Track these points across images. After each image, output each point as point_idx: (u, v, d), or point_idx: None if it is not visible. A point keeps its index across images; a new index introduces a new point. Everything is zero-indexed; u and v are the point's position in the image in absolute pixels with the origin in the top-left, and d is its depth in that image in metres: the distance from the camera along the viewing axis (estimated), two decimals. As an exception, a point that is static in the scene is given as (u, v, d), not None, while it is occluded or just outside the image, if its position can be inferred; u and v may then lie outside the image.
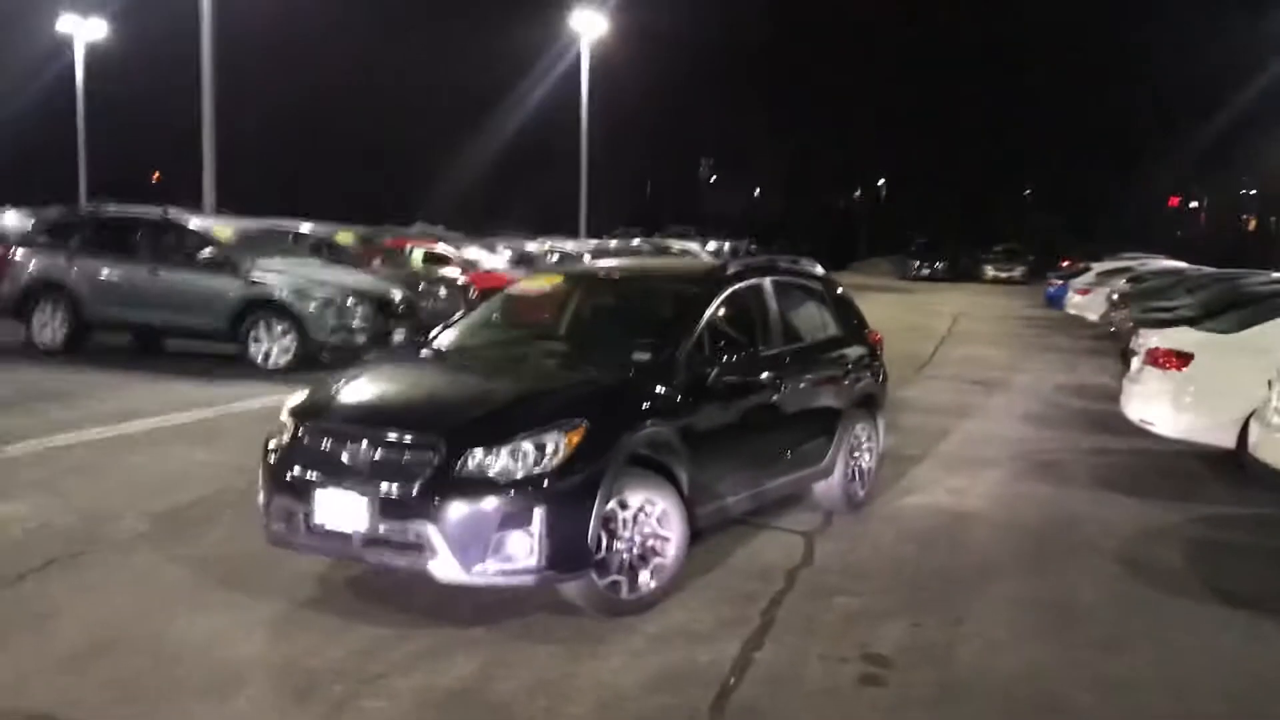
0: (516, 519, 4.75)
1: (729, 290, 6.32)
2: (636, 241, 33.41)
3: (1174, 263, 26.07)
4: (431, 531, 4.74)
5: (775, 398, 6.37)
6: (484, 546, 4.74)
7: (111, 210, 14.50)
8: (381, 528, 4.84)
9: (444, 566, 4.75)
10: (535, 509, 4.76)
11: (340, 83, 56.94)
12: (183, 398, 10.84)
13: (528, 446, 4.86)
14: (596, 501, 4.92)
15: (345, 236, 17.67)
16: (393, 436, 4.98)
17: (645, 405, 5.41)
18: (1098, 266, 26.67)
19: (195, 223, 13.91)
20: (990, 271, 49.12)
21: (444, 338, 6.44)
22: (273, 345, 12.83)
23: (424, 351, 6.30)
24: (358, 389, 5.58)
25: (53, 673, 4.42)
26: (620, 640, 4.94)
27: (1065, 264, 36.91)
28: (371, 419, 5.19)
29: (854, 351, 7.45)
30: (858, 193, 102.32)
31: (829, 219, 73.88)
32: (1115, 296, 18.75)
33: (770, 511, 6.94)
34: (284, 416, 5.44)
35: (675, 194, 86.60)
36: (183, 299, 12.98)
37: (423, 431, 4.96)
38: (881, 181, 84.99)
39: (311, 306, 12.83)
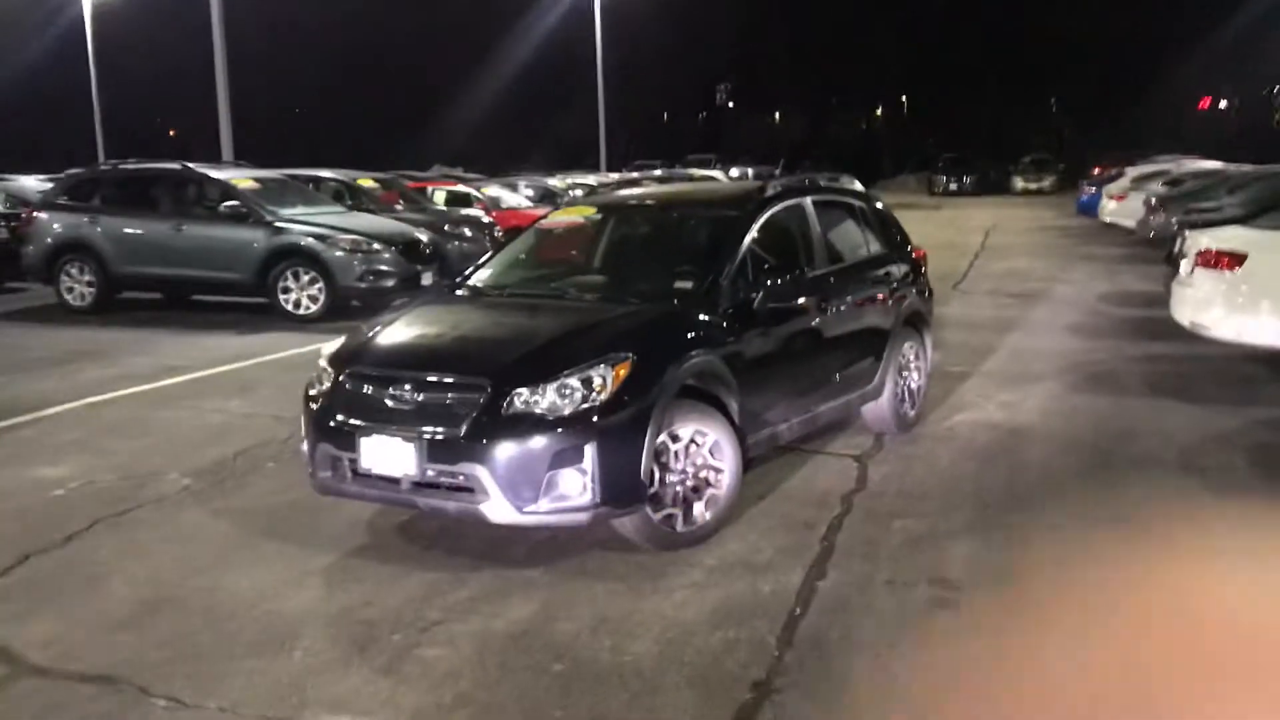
0: (568, 456, 4.62)
1: (769, 212, 6.11)
2: (658, 173, 32.97)
3: (1209, 163, 25.40)
4: (481, 473, 4.61)
5: (822, 320, 6.17)
6: (536, 486, 4.61)
7: (130, 166, 14.33)
8: (430, 471, 4.72)
9: (496, 508, 4.63)
10: (586, 445, 4.62)
11: (351, 27, 56.25)
12: (215, 351, 10.77)
13: (574, 383, 4.71)
14: (647, 434, 4.78)
15: (367, 181, 17.41)
16: (436, 378, 4.84)
17: (691, 335, 5.23)
18: (1132, 171, 26.03)
19: (215, 174, 13.74)
20: (1020, 183, 48.24)
21: (478, 276, 6.27)
22: (301, 294, 12.72)
23: (459, 291, 6.13)
24: (397, 332, 5.42)
25: (107, 633, 4.35)
26: (679, 574, 4.83)
27: (1097, 171, 36.20)
28: (414, 362, 5.04)
29: (898, 269, 7.23)
30: (879, 110, 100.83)
31: (853, 139, 72.82)
32: (1153, 200, 18.30)
33: (819, 437, 6.80)
34: (323, 363, 5.30)
35: (693, 122, 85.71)
36: (209, 252, 12.87)
37: (467, 372, 4.82)
38: (904, 98, 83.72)
39: (338, 253, 12.70)
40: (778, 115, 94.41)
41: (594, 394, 4.70)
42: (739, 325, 5.47)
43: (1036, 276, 16.51)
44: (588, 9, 41.75)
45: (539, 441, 4.61)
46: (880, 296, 6.87)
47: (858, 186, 7.16)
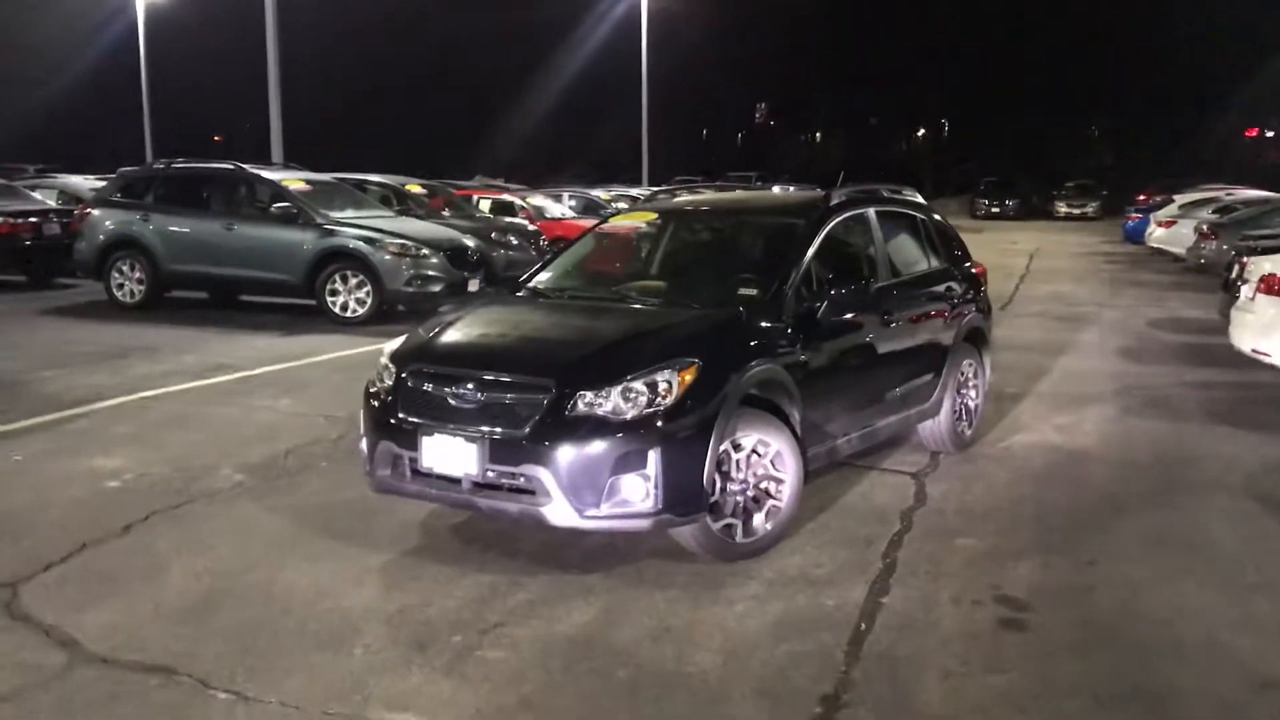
0: (631, 461, 4.56)
1: (834, 221, 6.04)
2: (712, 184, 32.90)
3: (1258, 192, 25.09)
4: (544, 475, 4.57)
5: (884, 333, 6.10)
6: (599, 490, 4.56)
7: (183, 165, 14.46)
8: (491, 472, 4.68)
9: (558, 511, 4.58)
10: (650, 450, 4.57)
11: (398, 38, 56.69)
12: (264, 351, 10.82)
13: (640, 386, 4.66)
14: (711, 442, 4.72)
15: (414, 187, 17.49)
16: (500, 378, 4.80)
17: (755, 343, 5.17)
18: (1180, 199, 25.76)
19: (267, 175, 13.84)
20: (1063, 208, 47.92)
21: (538, 278, 6.24)
22: (348, 297, 12.77)
23: (519, 293, 6.10)
24: (460, 331, 5.40)
25: (168, 624, 4.33)
26: (739, 586, 4.76)
27: (1143, 198, 35.85)
28: (477, 361, 5.00)
29: (959, 285, 7.14)
30: (920, 132, 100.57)
31: (893, 160, 72.57)
32: (1205, 227, 18.07)
33: (875, 453, 6.71)
34: (385, 360, 5.28)
35: (731, 141, 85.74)
36: (258, 253, 12.95)
37: (532, 372, 4.78)
38: (944, 121, 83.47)
39: (386, 257, 12.73)
40: (817, 135, 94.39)
41: (659, 398, 4.65)
42: (802, 335, 5.41)
43: (1084, 300, 16.34)
44: (633, 24, 41.86)
45: (603, 445, 4.56)
46: (941, 312, 6.78)
47: (919, 199, 7.02)
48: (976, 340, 7.28)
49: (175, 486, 6.15)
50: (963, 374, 7.04)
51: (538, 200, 20.95)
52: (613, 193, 24.09)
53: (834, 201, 6.15)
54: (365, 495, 5.58)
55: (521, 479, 4.64)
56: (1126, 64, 65.25)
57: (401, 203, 16.58)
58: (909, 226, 6.89)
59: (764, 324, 5.28)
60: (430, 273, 12.94)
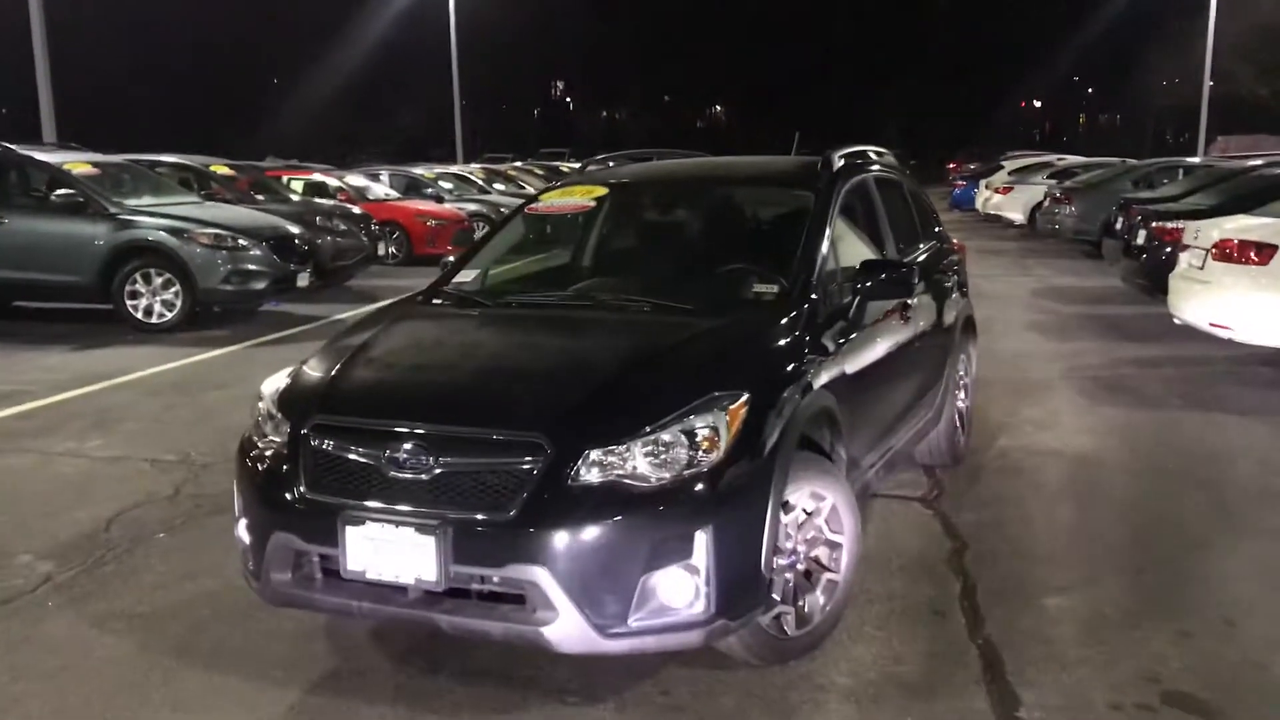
0: (671, 549, 3.12)
1: (844, 192, 4.67)
2: (519, 164, 31.23)
3: (1083, 158, 25.33)
4: (542, 578, 3.06)
5: (903, 330, 4.81)
6: (625, 595, 3.10)
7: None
8: (457, 574, 3.15)
9: (567, 630, 3.09)
10: (698, 531, 3.13)
11: (176, 4, 52.12)
12: (56, 371, 8.70)
13: (670, 437, 3.20)
14: (770, 507, 3.32)
15: (221, 168, 15.27)
16: (463, 434, 3.25)
17: (795, 359, 3.77)
18: (1009, 164, 25.78)
19: (41, 158, 11.50)
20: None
21: (462, 279, 4.63)
22: (153, 299, 10.68)
23: (437, 300, 4.48)
24: (381, 362, 3.79)
25: None
26: (812, 705, 3.39)
27: (953, 167, 36.32)
28: (422, 408, 3.40)
29: (949, 262, 5.96)
30: (719, 108, 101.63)
31: (700, 133, 72.63)
32: (1058, 193, 17.70)
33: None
34: (268, 406, 3.65)
35: (529, 118, 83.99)
36: (37, 251, 10.62)
37: (510, 424, 3.24)
38: (746, 93, 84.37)
39: (198, 250, 10.70)
40: (617, 114, 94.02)
41: (700, 453, 3.20)
42: (836, 341, 4.06)
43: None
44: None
45: (628, 528, 3.10)
46: (944, 299, 5.56)
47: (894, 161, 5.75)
48: (970, 329, 6.11)
49: (-50, 593, 4.32)
50: (960, 371, 5.86)
51: (356, 180, 18.90)
52: (435, 171, 22.14)
53: (838, 166, 4.78)
54: (234, 584, 3.98)
55: (509, 584, 3.13)
56: (914, 43, 67.64)
57: (205, 186, 14.38)
58: (899, 195, 5.60)
59: (795, 331, 3.88)
60: (251, 267, 10.97)
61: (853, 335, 4.18)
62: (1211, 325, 8.12)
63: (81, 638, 3.93)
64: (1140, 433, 6.64)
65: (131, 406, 7.53)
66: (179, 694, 3.51)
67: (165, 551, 4.77)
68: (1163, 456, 6.11)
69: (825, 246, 4.26)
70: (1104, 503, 5.33)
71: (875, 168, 5.29)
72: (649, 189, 5.32)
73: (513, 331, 4.10)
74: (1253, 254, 7.80)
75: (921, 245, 5.59)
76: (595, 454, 3.15)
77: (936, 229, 6.16)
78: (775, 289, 4.10)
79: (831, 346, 3.98)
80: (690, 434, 3.21)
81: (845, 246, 4.54)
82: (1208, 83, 31.39)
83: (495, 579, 3.14)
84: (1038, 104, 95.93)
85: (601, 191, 4.98)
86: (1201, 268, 8.30)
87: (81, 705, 3.44)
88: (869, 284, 4.26)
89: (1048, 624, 3.95)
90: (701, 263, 4.63)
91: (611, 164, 6.22)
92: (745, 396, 3.32)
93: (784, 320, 3.87)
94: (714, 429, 3.23)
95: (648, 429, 3.20)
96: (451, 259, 4.89)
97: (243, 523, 3.59)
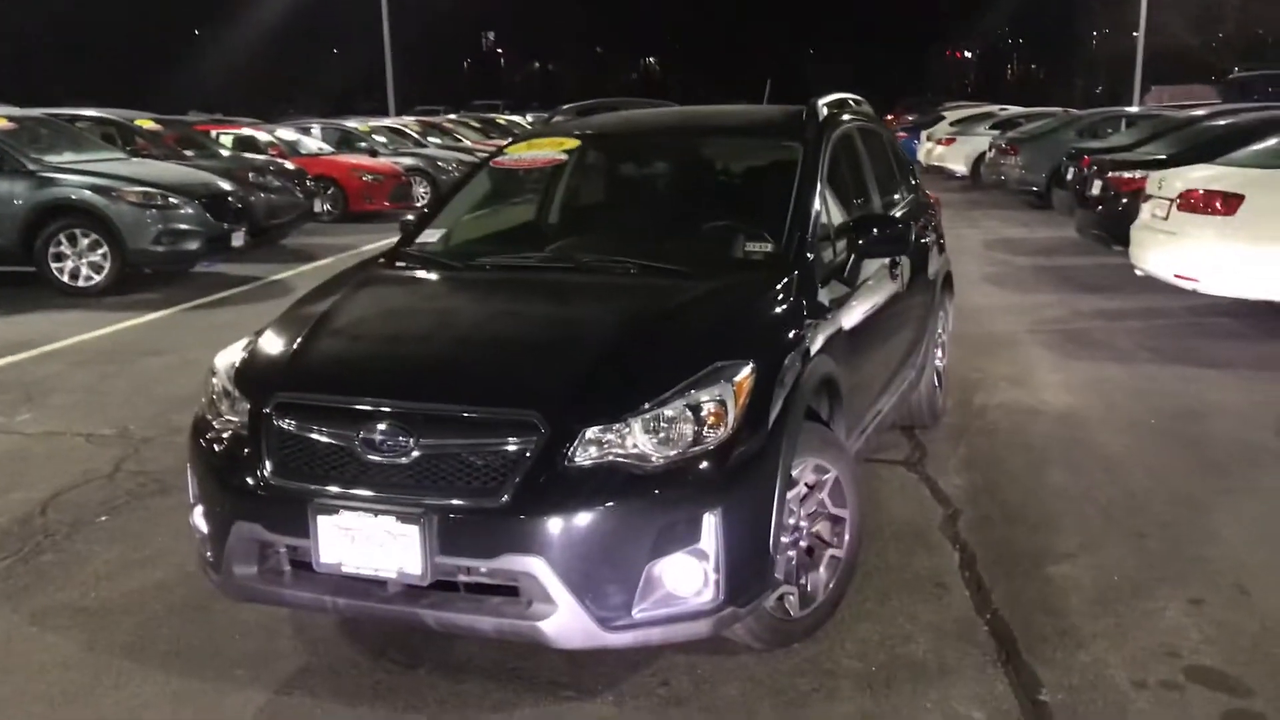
0: (678, 534, 2.87)
1: (832, 142, 4.40)
2: (453, 116, 30.54)
3: (1022, 108, 25.27)
4: (538, 568, 2.80)
5: (892, 287, 4.57)
6: (630, 584, 2.85)
7: None
8: (443, 566, 2.87)
9: (565, 623, 2.83)
10: (706, 513, 2.88)
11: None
12: (-25, 341, 8.21)
13: (673, 412, 2.94)
14: (778, 486, 3.08)
15: (147, 122, 14.57)
16: (447, 412, 2.96)
17: (801, 324, 3.51)
18: (950, 115, 25.67)
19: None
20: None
21: (427, 238, 4.29)
22: (79, 262, 10.13)
23: (401, 264, 4.15)
24: (348, 332, 3.46)
25: None
26: (821, 690, 3.18)
27: (890, 118, 36.14)
28: (400, 383, 3.11)
29: (929, 215, 5.74)
30: (651, 59, 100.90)
31: (633, 85, 72.04)
32: (1004, 144, 17.59)
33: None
34: (222, 382, 3.32)
35: (459, 70, 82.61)
36: (-49, 211, 10.06)
37: (500, 401, 2.96)
38: (677, 45, 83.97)
39: (125, 208, 10.14)
40: (549, 65, 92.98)
41: (706, 429, 2.95)
42: (833, 303, 3.82)
43: (903, 223, 15.51)
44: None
45: (632, 512, 2.84)
46: (926, 253, 5.34)
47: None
48: (949, 285, 5.92)
49: None
50: (939, 328, 5.68)
51: (287, 134, 18.25)
52: (369, 124, 21.48)
53: (823, 115, 4.50)
54: (187, 572, 3.70)
55: (500, 576, 2.87)
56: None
57: (130, 142, 13.72)
58: (879, 144, 5.34)
59: (793, 294, 3.63)
60: (184, 226, 10.44)
61: (848, 296, 3.94)
62: (1176, 277, 8.02)
63: (20, 637, 3.60)
64: (1115, 388, 6.52)
65: (61, 377, 7.09)
66: (134, 699, 3.20)
67: (109, 536, 4.42)
68: (1142, 413, 5.98)
69: (817, 202, 4.00)
70: (1092, 463, 5.17)
71: (857, 117, 5.03)
72: (625, 141, 4.99)
73: (491, 297, 3.79)
74: (1219, 204, 7.69)
75: (900, 198, 5.36)
76: (593, 432, 2.88)
77: (914, 180, 5.93)
78: (769, 248, 3.84)
79: (829, 309, 3.74)
80: (695, 408, 2.95)
81: (834, 200, 4.29)
82: (1143, 32, 31.49)
83: (485, 570, 2.87)
84: (969, 54, 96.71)
85: (573, 144, 4.64)
86: (1166, 218, 8.18)
87: (23, 717, 3.12)
88: (862, 241, 4.02)
89: (1055, 595, 3.77)
90: (685, 220, 4.33)
91: (579, 115, 5.90)
92: (750, 366, 3.06)
93: (781, 282, 3.61)
94: (720, 402, 2.97)
95: (648, 404, 2.93)
96: (410, 216, 4.57)
97: (199, 509, 3.28)
